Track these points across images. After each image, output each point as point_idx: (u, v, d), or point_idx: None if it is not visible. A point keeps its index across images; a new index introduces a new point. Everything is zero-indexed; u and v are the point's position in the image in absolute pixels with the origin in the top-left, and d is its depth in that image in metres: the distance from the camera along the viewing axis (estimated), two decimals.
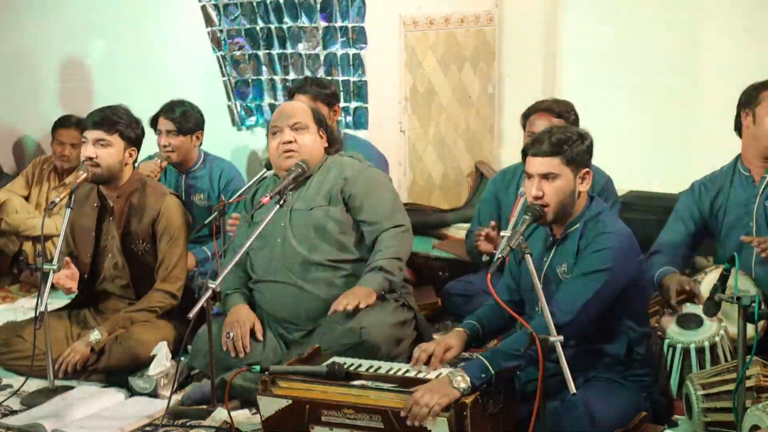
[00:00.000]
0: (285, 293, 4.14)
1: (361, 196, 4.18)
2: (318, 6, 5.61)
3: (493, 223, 4.51)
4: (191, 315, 3.61)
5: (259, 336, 4.09)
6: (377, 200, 4.21)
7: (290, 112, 4.24)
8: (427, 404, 3.19)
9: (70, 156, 5.87)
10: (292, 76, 5.80)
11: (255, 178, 5.02)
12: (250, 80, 5.99)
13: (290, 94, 5.27)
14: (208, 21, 5.96)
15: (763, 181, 4.10)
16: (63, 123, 5.95)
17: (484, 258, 4.49)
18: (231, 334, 4.04)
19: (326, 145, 4.29)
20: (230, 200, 4.89)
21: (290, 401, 3.41)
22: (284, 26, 5.75)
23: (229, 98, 6.05)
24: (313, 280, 4.13)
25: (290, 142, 4.17)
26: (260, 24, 5.82)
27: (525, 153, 3.54)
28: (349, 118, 5.73)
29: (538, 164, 3.46)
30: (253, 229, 4.02)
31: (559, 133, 3.49)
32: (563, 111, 4.57)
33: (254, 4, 5.79)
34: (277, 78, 5.91)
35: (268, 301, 4.20)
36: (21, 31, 6.96)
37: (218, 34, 5.96)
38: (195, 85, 6.15)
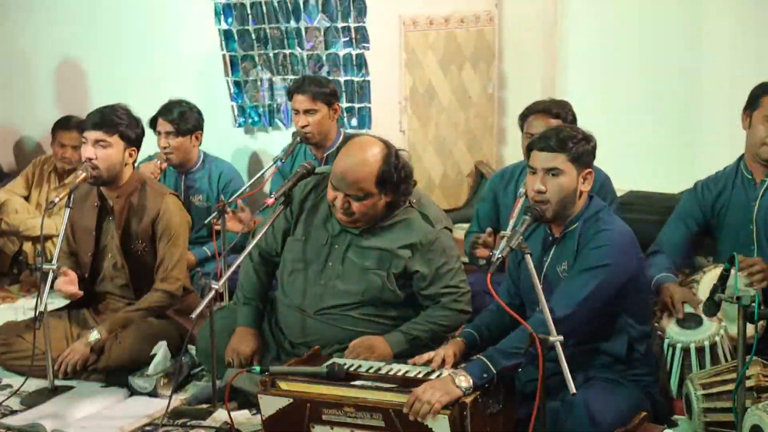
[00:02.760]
0: (309, 326, 3.99)
1: (428, 277, 3.89)
2: (319, 6, 5.61)
3: (489, 229, 4.47)
4: (193, 316, 3.61)
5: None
6: (441, 282, 3.90)
7: (348, 179, 3.76)
8: (429, 401, 3.20)
9: (72, 158, 5.86)
10: (293, 76, 5.79)
11: (261, 173, 5.01)
12: (251, 81, 5.99)
13: (289, 94, 5.27)
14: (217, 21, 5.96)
15: (764, 184, 4.09)
16: (63, 125, 5.94)
17: (481, 262, 4.47)
18: (232, 362, 3.99)
19: (389, 200, 3.84)
20: (230, 200, 4.90)
21: (291, 400, 3.41)
22: (285, 27, 5.75)
23: (230, 98, 6.05)
24: (341, 326, 3.94)
25: (346, 207, 3.81)
26: (261, 25, 5.82)
27: (530, 148, 3.55)
28: (353, 119, 5.73)
29: (543, 159, 3.48)
30: (292, 242, 3.97)
31: (566, 131, 3.54)
32: (561, 111, 4.57)
33: (256, 4, 5.79)
34: (277, 78, 5.90)
35: (288, 324, 4.07)
36: (20, 30, 6.96)
37: (222, 35, 5.96)
38: (196, 84, 6.15)
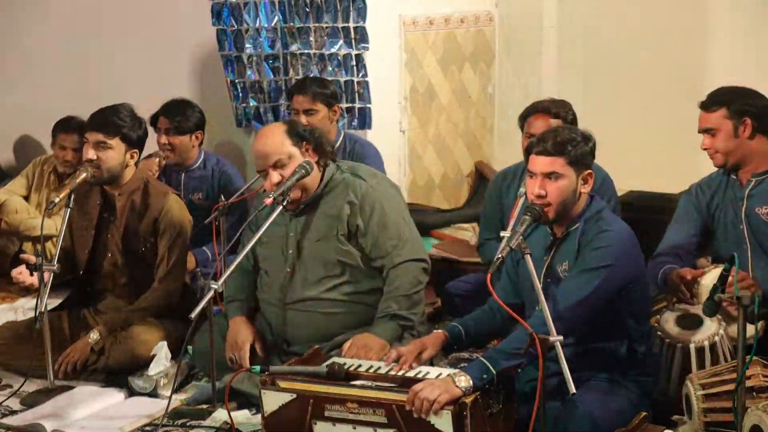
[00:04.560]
0: (292, 320, 4.07)
1: (367, 230, 4.02)
2: (319, 6, 5.60)
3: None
4: (193, 315, 3.61)
5: (260, 353, 4.04)
6: (383, 234, 4.03)
7: (264, 153, 3.99)
8: (428, 398, 3.20)
9: (73, 161, 5.84)
10: (293, 76, 5.79)
11: (256, 177, 5.01)
12: (249, 81, 5.99)
13: (289, 95, 5.27)
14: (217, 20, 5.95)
15: (749, 184, 4.12)
16: (64, 127, 5.91)
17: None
18: (234, 358, 4.01)
19: (316, 158, 4.03)
20: (230, 200, 4.90)
21: (294, 395, 3.41)
22: (286, 26, 5.75)
23: (231, 98, 6.05)
24: (323, 312, 4.04)
25: (280, 181, 3.97)
26: (260, 25, 5.82)
27: (528, 151, 3.54)
28: (354, 119, 5.72)
29: (541, 163, 3.46)
30: (256, 235, 4.03)
31: (564, 133, 3.50)
32: (560, 111, 4.57)
33: (254, 4, 5.78)
34: (278, 79, 5.90)
35: (273, 323, 4.14)
36: (20, 29, 6.96)
37: (222, 35, 5.96)
38: (195, 84, 6.16)
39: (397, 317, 3.97)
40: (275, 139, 4.01)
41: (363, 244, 4.05)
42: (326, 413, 3.37)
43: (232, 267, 3.79)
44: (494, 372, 3.28)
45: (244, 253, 3.91)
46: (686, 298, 3.89)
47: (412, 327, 4.04)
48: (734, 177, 4.17)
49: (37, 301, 4.07)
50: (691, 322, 3.81)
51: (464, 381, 3.24)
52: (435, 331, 3.70)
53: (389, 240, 4.04)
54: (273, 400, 3.45)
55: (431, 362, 3.60)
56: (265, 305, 4.18)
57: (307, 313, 4.05)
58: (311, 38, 5.69)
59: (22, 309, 5.33)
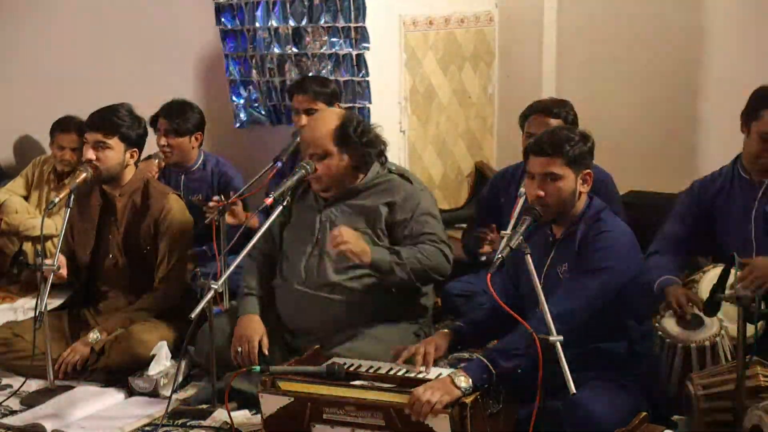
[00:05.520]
0: (308, 305, 4.08)
1: (407, 224, 4.05)
2: (319, 6, 5.60)
3: (493, 226, 4.50)
4: (193, 315, 3.61)
5: (266, 350, 4.04)
6: (422, 226, 4.06)
7: (309, 141, 4.07)
8: (429, 401, 3.20)
9: (71, 160, 5.85)
10: (294, 76, 5.78)
11: (261, 173, 5.01)
12: (251, 81, 5.99)
13: (290, 94, 5.26)
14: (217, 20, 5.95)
15: (763, 185, 4.09)
16: (62, 127, 5.92)
17: (483, 258, 4.49)
18: (240, 350, 4.02)
19: (355, 165, 4.08)
20: (230, 200, 4.90)
21: (292, 398, 3.41)
22: (286, 26, 5.74)
23: (231, 97, 6.05)
24: (341, 299, 4.05)
25: (313, 172, 4.03)
26: (262, 24, 5.82)
27: (527, 152, 3.55)
28: None
29: (540, 164, 3.47)
30: (287, 230, 4.07)
31: (562, 133, 3.51)
32: (561, 111, 4.57)
33: (256, 4, 5.78)
34: (277, 78, 5.90)
35: (287, 309, 4.16)
36: (20, 29, 6.96)
37: (224, 35, 5.96)
38: (196, 84, 6.15)
39: (396, 255, 3.95)
40: (323, 130, 4.05)
41: (399, 235, 4.05)
42: (324, 416, 3.37)
43: (233, 266, 3.79)
44: (494, 371, 3.28)
45: (248, 248, 3.89)
46: (684, 315, 3.86)
47: (395, 278, 3.96)
48: (746, 177, 4.13)
49: (37, 301, 4.07)
50: (692, 322, 3.81)
51: (464, 381, 3.24)
52: (441, 330, 3.71)
53: (426, 235, 4.04)
54: (271, 403, 3.45)
55: None
56: (282, 291, 4.18)
57: (325, 298, 4.05)
58: (310, 38, 5.69)
59: (22, 309, 5.33)
